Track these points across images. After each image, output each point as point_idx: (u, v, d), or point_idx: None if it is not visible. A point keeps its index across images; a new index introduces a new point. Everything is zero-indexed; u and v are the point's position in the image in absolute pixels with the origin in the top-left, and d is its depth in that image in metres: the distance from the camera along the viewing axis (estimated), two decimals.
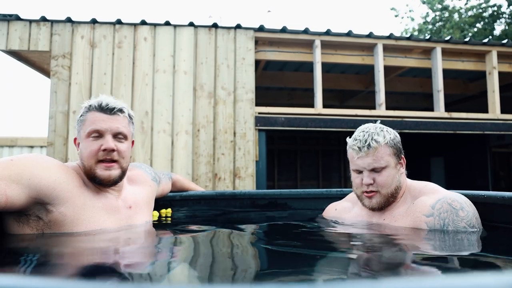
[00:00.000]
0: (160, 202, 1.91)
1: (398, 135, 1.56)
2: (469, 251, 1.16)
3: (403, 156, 1.54)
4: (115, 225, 1.39)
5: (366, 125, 1.56)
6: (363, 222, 1.58)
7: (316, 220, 1.81)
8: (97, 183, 1.37)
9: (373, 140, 1.45)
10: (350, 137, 1.57)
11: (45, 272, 0.88)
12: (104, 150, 1.33)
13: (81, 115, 1.40)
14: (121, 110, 1.40)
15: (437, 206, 1.37)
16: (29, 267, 0.92)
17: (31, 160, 1.22)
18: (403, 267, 0.95)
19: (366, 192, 1.50)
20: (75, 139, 1.44)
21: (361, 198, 1.55)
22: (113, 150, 1.35)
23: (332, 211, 1.81)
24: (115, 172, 1.37)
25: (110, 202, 1.41)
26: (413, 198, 1.49)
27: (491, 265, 0.98)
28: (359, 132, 1.52)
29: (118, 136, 1.38)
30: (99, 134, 1.35)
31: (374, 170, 1.47)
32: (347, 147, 1.57)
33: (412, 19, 15.97)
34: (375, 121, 1.61)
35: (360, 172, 1.51)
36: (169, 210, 2.00)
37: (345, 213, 1.72)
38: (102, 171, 1.34)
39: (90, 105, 1.38)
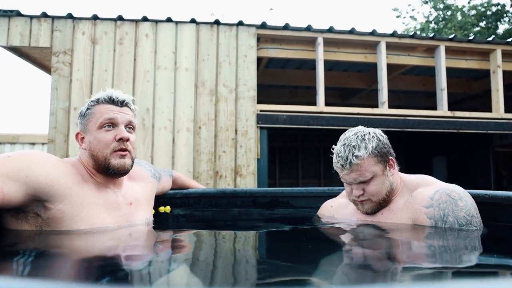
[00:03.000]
0: (160, 200, 1.90)
1: (383, 136, 1.50)
2: (470, 249, 1.14)
3: (391, 157, 1.49)
4: (115, 222, 1.37)
5: (348, 133, 1.50)
6: (361, 218, 1.57)
7: (314, 218, 1.79)
8: (111, 173, 1.38)
9: (354, 156, 1.41)
10: (333, 148, 1.51)
11: (42, 272, 0.86)
12: (120, 139, 1.35)
13: (88, 109, 1.40)
14: (129, 103, 1.45)
15: (436, 197, 1.36)
16: (26, 266, 0.90)
17: (29, 157, 1.21)
18: (404, 266, 0.93)
19: (358, 200, 1.51)
20: (77, 134, 1.43)
21: (355, 204, 1.56)
22: (127, 140, 1.37)
23: (328, 208, 1.80)
24: (128, 161, 1.40)
25: (110, 198, 1.39)
26: (410, 191, 1.48)
27: (493, 265, 0.97)
28: (340, 146, 1.47)
29: (128, 126, 1.42)
30: (112, 125, 1.37)
31: (361, 182, 1.45)
32: (333, 161, 1.52)
33: (415, 19, 15.90)
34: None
35: (349, 183, 1.50)
36: (168, 207, 1.98)
37: (342, 210, 1.71)
38: (117, 160, 1.36)
39: (98, 99, 1.40)
